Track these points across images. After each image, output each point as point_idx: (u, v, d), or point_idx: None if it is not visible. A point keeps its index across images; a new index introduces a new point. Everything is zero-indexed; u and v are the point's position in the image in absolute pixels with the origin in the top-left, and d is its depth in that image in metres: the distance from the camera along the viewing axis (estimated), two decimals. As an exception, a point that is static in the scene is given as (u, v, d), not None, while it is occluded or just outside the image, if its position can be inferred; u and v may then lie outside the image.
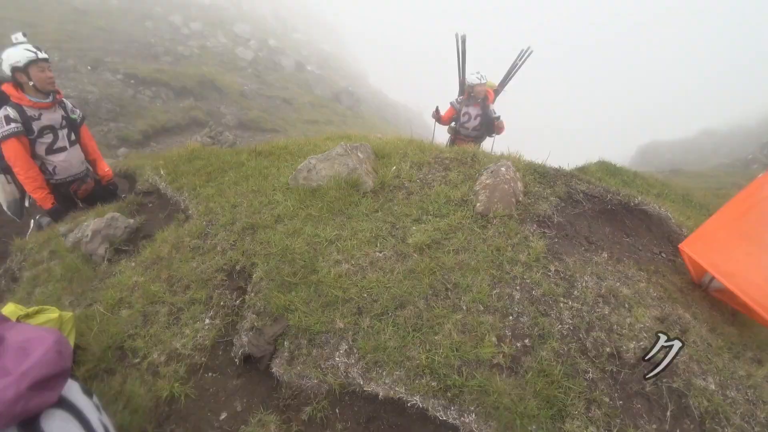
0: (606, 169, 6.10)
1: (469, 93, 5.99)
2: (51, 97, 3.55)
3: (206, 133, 11.86)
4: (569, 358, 1.98)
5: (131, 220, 3.51)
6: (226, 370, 2.18)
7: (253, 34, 23.09)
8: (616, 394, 1.94)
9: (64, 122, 3.75)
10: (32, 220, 4.44)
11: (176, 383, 2.07)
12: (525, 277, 2.34)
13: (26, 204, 4.25)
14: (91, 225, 3.31)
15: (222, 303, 2.47)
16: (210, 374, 2.16)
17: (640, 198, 3.25)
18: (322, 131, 16.50)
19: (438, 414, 1.87)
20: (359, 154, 3.41)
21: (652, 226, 3.21)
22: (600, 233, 2.98)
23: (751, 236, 2.33)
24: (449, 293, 2.24)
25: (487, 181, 3.02)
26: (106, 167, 4.39)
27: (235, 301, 2.49)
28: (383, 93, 37.01)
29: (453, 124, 6.30)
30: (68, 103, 3.84)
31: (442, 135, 6.81)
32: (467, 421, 1.82)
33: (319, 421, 1.92)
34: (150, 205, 3.97)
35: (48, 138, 3.66)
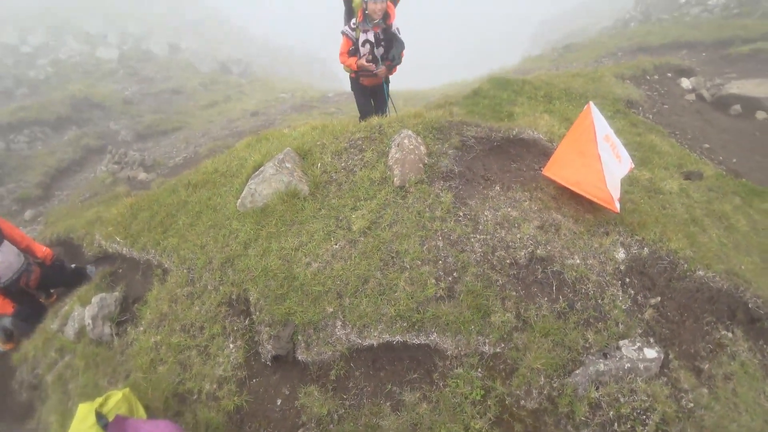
0: (498, 84, 7.13)
1: (363, 13, 4.70)
2: None
3: (109, 161, 11.57)
4: (484, 275, 3.07)
5: (116, 294, 4.10)
6: (264, 372, 3.10)
7: (107, 27, 21.11)
8: (519, 288, 3.07)
9: None
10: None
11: (234, 397, 2.99)
12: (443, 228, 3.36)
13: None
14: (87, 313, 3.89)
15: (235, 328, 3.31)
16: (254, 380, 3.09)
17: (517, 130, 4.31)
18: (225, 112, 16.30)
19: (413, 341, 2.94)
20: (287, 164, 4.12)
21: (530, 148, 4.32)
22: (493, 168, 4.02)
23: (585, 152, 3.43)
24: (395, 260, 3.23)
25: (397, 155, 3.90)
26: (42, 248, 4.64)
27: (245, 322, 3.34)
28: (271, 42, 35.45)
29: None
30: None
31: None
32: (432, 338, 2.91)
33: (343, 376, 2.96)
34: (120, 271, 4.52)
35: None
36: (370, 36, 4.82)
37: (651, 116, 7.24)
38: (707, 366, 3.06)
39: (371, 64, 4.89)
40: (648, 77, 8.71)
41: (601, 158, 3.34)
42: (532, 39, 28.23)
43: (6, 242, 4.13)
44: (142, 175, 10.86)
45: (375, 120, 4.64)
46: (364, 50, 4.91)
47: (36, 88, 14.87)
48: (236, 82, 20.98)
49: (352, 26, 4.80)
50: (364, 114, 5.52)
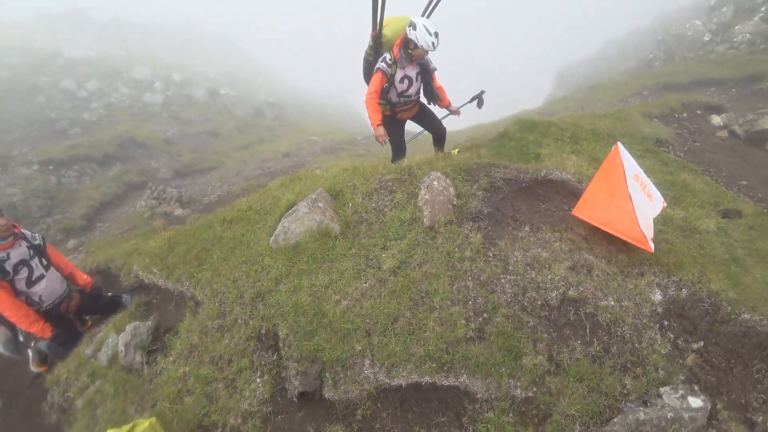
0: (524, 126, 7.15)
1: (404, 49, 4.54)
2: (11, 237, 3.92)
3: (149, 196, 12.11)
4: (515, 316, 3.00)
5: (149, 323, 4.20)
6: (289, 409, 3.07)
7: (155, 75, 22.66)
8: (551, 330, 2.97)
9: (31, 252, 4.10)
10: (29, 350, 4.92)
11: (259, 432, 2.93)
12: (473, 268, 3.32)
13: (20, 339, 4.70)
14: (121, 340, 3.99)
15: (263, 362, 3.31)
16: (279, 417, 3.05)
17: (545, 171, 4.31)
18: (257, 153, 16.92)
19: (443, 383, 2.87)
20: (319, 204, 4.23)
21: (559, 188, 4.29)
22: (522, 209, 4.00)
23: (615, 192, 3.38)
24: (424, 300, 3.20)
25: (426, 197, 3.95)
26: (84, 276, 4.83)
27: (272, 357, 3.34)
28: (303, 89, 37.20)
29: (382, 101, 4.86)
30: (26, 232, 4.16)
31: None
32: (461, 380, 2.83)
33: (369, 417, 2.88)
34: (154, 301, 4.65)
35: (24, 273, 4.01)
36: (409, 71, 4.68)
37: (682, 154, 7.09)
38: (761, 418, 2.82)
39: (382, 137, 4.78)
40: (676, 115, 8.61)
41: (632, 198, 3.28)
42: (554, 83, 28.54)
43: (52, 268, 4.32)
44: (178, 211, 11.29)
45: (405, 162, 4.72)
46: (402, 87, 4.74)
47: (88, 129, 15.90)
48: (269, 125, 21.90)
49: (389, 62, 4.54)
50: (398, 153, 5.35)
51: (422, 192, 4.01)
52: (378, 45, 4.72)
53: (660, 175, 5.70)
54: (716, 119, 8.66)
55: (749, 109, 9.51)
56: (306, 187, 4.81)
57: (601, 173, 3.53)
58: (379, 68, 4.60)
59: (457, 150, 5.83)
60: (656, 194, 3.62)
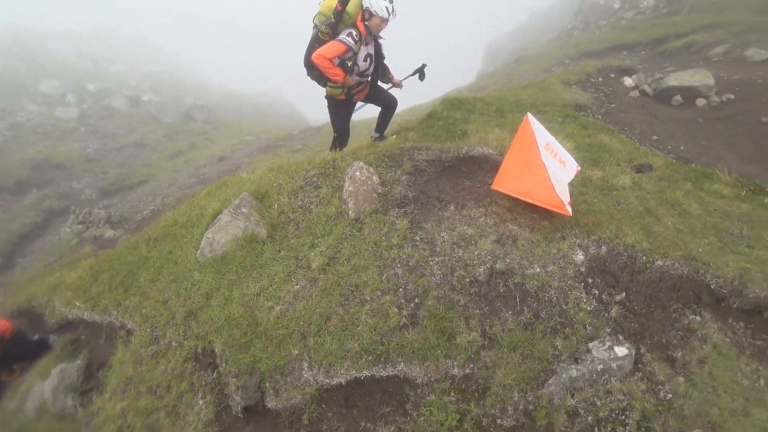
0: (451, 104, 7.25)
1: (365, 25, 4.32)
2: None
3: (73, 221, 11.26)
4: (446, 297, 3.06)
5: (78, 362, 3.92)
6: (236, 426, 2.99)
7: (65, 87, 20.92)
8: (482, 305, 3.06)
9: None
10: None
11: (205, 456, 2.83)
12: (401, 255, 3.35)
13: None
14: (46, 387, 3.70)
15: (203, 383, 3.19)
16: (226, 436, 2.94)
17: (466, 148, 4.38)
18: (191, 160, 16.14)
19: (381, 374, 2.88)
20: (243, 210, 4.08)
21: (482, 164, 4.38)
22: (446, 188, 4.06)
23: (530, 163, 3.50)
24: (354, 294, 3.19)
25: (350, 189, 3.91)
26: (0, 322, 4.43)
27: (212, 375, 3.22)
28: (235, 88, 35.77)
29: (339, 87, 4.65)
30: None
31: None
32: (399, 369, 2.85)
33: (316, 419, 2.86)
34: (83, 337, 4.34)
35: None
36: (370, 49, 4.52)
37: (600, 116, 7.49)
38: (680, 354, 3.06)
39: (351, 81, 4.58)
40: (593, 80, 9.07)
41: (546, 166, 3.41)
42: (484, 58, 29.24)
43: None
44: (109, 233, 10.57)
45: (329, 156, 4.65)
46: (365, 65, 4.54)
47: (-8, 156, 14.49)
48: (201, 129, 20.92)
49: (356, 38, 4.27)
50: (343, 138, 5.21)
51: (346, 184, 3.97)
52: (338, 22, 4.31)
53: (579, 139, 5.97)
54: (628, 80, 9.22)
55: (657, 69, 10.21)
56: (232, 192, 4.63)
57: (515, 146, 3.63)
58: (342, 41, 4.23)
59: (394, 136, 5.84)
60: (569, 160, 3.78)
